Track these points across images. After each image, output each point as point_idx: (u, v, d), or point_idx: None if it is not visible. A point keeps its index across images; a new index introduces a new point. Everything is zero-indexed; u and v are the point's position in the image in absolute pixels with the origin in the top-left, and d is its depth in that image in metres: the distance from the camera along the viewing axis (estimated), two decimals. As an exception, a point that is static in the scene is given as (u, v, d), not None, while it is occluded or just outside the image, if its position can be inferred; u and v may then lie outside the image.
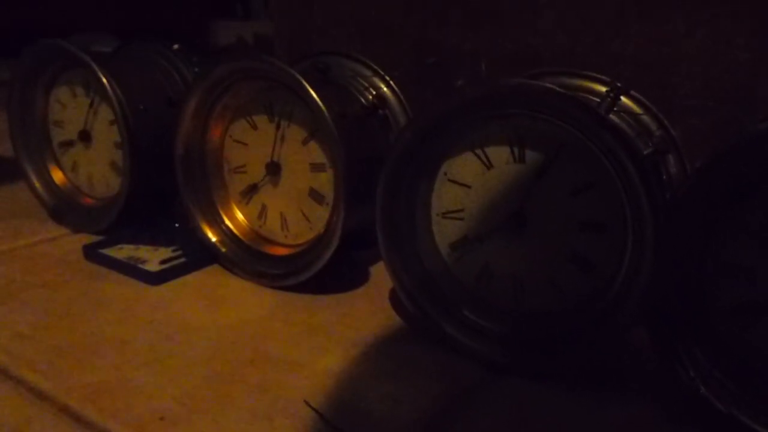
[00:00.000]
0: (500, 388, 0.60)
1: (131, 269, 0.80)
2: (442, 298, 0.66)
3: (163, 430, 0.52)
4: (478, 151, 0.63)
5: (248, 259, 0.80)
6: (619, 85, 0.67)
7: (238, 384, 0.59)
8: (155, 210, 0.93)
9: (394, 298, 0.75)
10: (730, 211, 0.51)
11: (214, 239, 0.82)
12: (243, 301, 0.75)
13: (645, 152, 0.60)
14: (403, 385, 0.60)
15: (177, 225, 0.91)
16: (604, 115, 0.53)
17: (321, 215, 0.76)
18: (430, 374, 0.62)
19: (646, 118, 0.71)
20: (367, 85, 0.84)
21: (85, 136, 0.94)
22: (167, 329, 0.68)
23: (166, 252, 0.84)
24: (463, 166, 0.64)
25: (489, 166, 0.62)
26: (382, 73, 0.87)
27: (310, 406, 0.56)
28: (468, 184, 0.64)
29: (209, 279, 0.80)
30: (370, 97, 0.82)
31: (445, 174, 0.65)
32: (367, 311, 0.73)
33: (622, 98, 0.70)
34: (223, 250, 0.82)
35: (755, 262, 0.52)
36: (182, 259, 0.82)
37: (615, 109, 0.64)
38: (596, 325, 0.58)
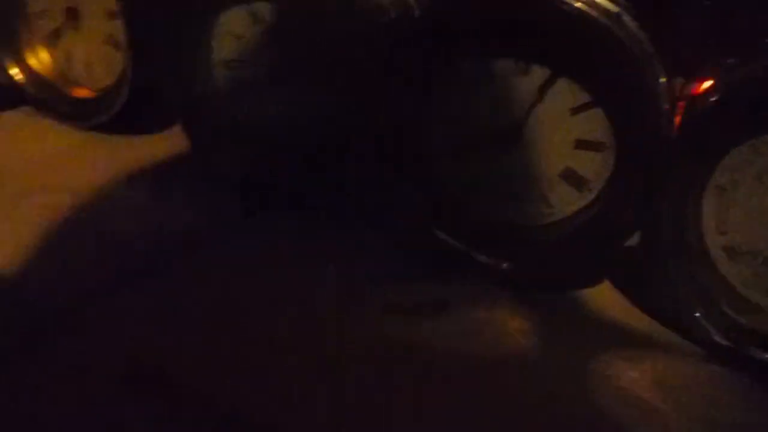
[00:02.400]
0: (257, 218, 0.71)
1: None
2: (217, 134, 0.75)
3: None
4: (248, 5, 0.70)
5: (53, 99, 0.85)
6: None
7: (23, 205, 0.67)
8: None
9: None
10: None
11: (20, 80, 0.86)
12: (45, 139, 0.81)
13: None
14: (169, 211, 0.70)
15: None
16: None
17: (120, 60, 0.81)
18: (198, 203, 0.71)
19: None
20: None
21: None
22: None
23: (-25, 93, 0.87)
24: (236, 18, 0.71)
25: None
26: None
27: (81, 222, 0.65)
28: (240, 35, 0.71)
29: (14, 118, 0.85)
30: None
31: (222, 25, 0.72)
32: (166, 151, 0.80)
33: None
34: (31, 91, 0.86)
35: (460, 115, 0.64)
36: (-12, 99, 0.85)
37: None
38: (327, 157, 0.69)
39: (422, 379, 0.52)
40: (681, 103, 0.59)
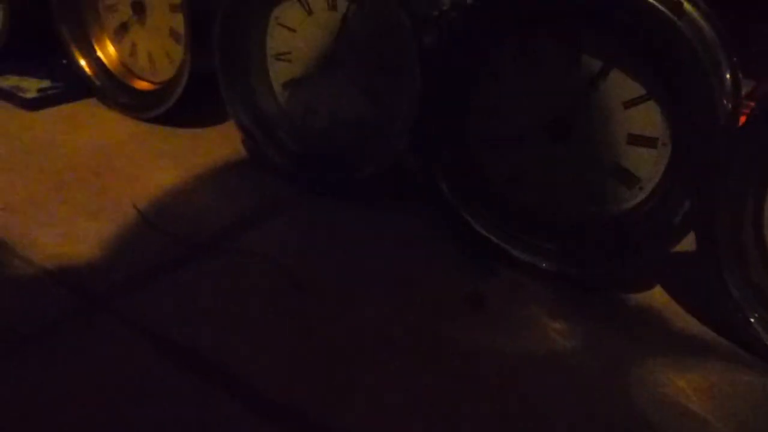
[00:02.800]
0: (303, 203, 0.72)
1: (10, 95, 0.88)
2: (272, 130, 0.76)
3: (2, 218, 0.63)
4: (301, -2, 0.70)
5: (117, 91, 0.88)
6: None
7: (79, 189, 0.70)
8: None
9: (246, 134, 0.84)
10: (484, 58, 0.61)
11: (89, 72, 0.90)
12: (106, 127, 0.84)
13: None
14: (221, 198, 0.71)
15: (64, 62, 0.98)
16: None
17: (180, 54, 0.84)
18: (252, 191, 0.73)
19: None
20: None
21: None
22: (30, 145, 0.78)
23: (46, 83, 0.91)
24: (289, 10, 0.72)
25: (310, 12, 0.70)
26: None
27: (135, 207, 0.67)
28: (293, 27, 0.72)
29: (83, 109, 0.89)
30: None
31: (276, 18, 0.73)
32: (217, 143, 0.83)
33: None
34: (97, 83, 0.89)
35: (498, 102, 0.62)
36: (58, 90, 0.89)
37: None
38: (384, 151, 0.69)
39: (452, 373, 0.50)
40: (751, 103, 0.56)
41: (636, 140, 0.57)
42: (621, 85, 0.57)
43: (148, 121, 0.85)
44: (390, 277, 0.61)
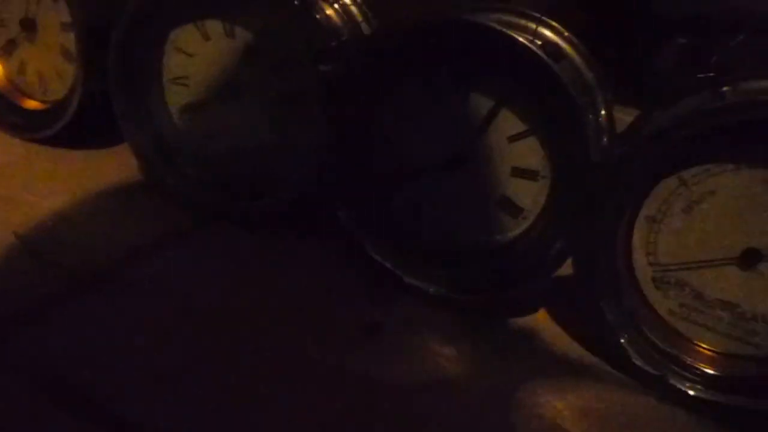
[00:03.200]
0: (208, 233, 0.71)
1: None
2: (170, 156, 0.75)
3: None
4: (198, 23, 0.70)
5: (5, 110, 0.84)
6: None
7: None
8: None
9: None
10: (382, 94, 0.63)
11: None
12: (-9, 149, 0.80)
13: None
14: (119, 226, 0.69)
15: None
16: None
17: (72, 73, 0.81)
18: (148, 219, 0.71)
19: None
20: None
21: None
22: None
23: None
24: (186, 35, 0.71)
25: (207, 37, 0.70)
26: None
27: (16, 236, 0.64)
28: (190, 52, 0.71)
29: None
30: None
31: (173, 42, 0.72)
32: (113, 167, 0.80)
33: None
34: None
35: (399, 135, 0.64)
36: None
37: None
38: (285, 179, 0.69)
39: (346, 404, 0.52)
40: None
41: (519, 173, 0.61)
42: (507, 121, 0.60)
43: (38, 141, 0.82)
44: (290, 309, 0.61)
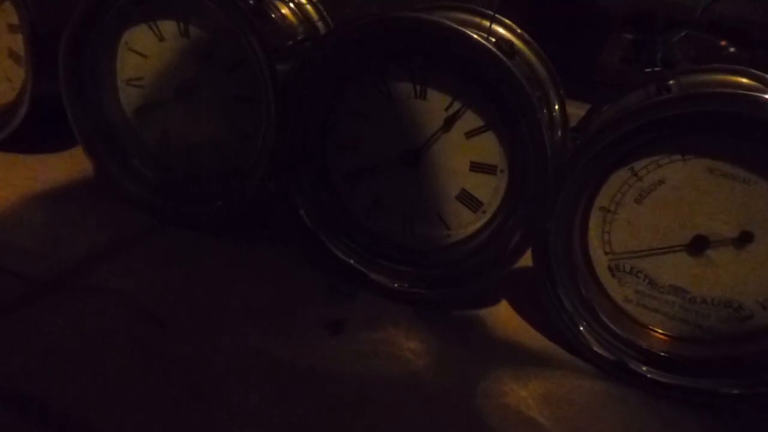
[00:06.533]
0: (165, 236, 0.70)
1: None
2: (126, 159, 0.74)
3: None
4: (152, 24, 0.69)
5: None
6: None
7: None
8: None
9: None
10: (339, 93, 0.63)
11: None
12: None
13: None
14: (74, 231, 0.68)
15: None
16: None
17: (21, 76, 0.79)
18: (103, 223, 0.70)
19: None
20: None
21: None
22: None
23: None
24: (140, 35, 0.70)
25: (161, 38, 0.69)
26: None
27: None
28: (144, 53, 0.70)
29: None
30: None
31: (126, 43, 0.71)
32: (66, 170, 0.78)
33: None
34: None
35: (356, 133, 0.65)
36: None
37: None
38: (241, 180, 0.69)
39: (312, 401, 0.52)
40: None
41: (478, 167, 0.62)
42: (464, 117, 0.61)
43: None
44: (252, 309, 0.61)
